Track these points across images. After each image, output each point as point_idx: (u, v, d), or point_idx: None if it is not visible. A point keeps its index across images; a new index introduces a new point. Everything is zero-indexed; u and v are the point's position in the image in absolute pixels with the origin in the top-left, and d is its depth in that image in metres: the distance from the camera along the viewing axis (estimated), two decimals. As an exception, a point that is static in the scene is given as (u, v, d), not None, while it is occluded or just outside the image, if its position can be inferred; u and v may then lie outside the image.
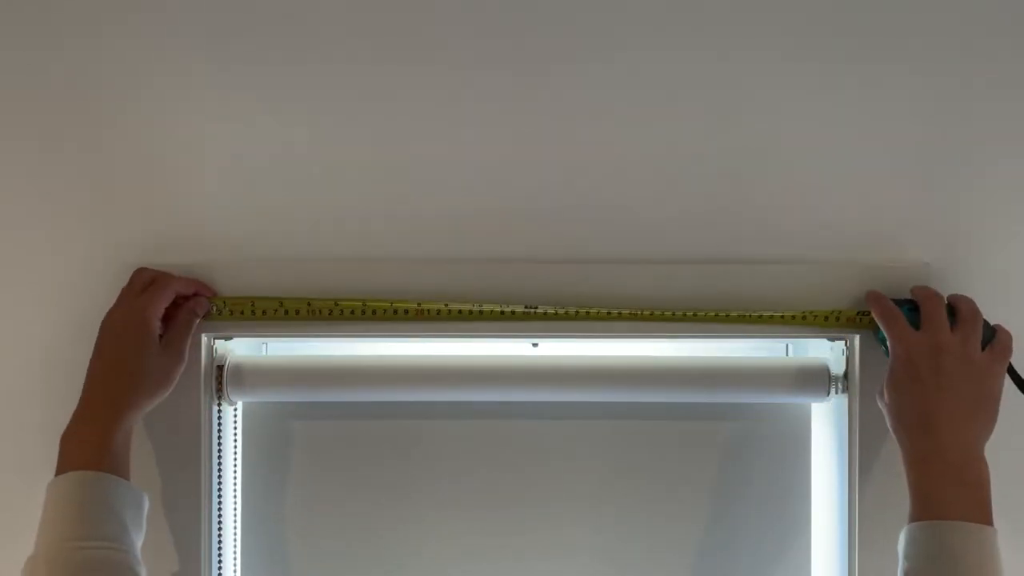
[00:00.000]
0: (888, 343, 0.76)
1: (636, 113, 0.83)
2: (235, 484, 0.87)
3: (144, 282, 0.79)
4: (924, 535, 0.66)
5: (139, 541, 0.71)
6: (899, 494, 0.80)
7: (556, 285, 0.82)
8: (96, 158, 0.83)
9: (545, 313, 0.81)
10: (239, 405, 0.87)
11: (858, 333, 0.82)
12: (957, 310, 0.75)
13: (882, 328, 0.76)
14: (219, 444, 0.84)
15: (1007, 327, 0.77)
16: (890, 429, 0.74)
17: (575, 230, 0.84)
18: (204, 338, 0.81)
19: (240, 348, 0.86)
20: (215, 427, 0.83)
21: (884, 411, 0.76)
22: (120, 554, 0.68)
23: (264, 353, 0.90)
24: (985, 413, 0.72)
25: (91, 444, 0.70)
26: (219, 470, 0.84)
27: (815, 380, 0.83)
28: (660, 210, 0.84)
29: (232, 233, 0.84)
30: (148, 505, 0.73)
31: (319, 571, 0.88)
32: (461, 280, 0.82)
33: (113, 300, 0.79)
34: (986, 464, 0.69)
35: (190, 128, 0.83)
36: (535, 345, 0.87)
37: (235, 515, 0.87)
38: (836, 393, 0.84)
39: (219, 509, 0.84)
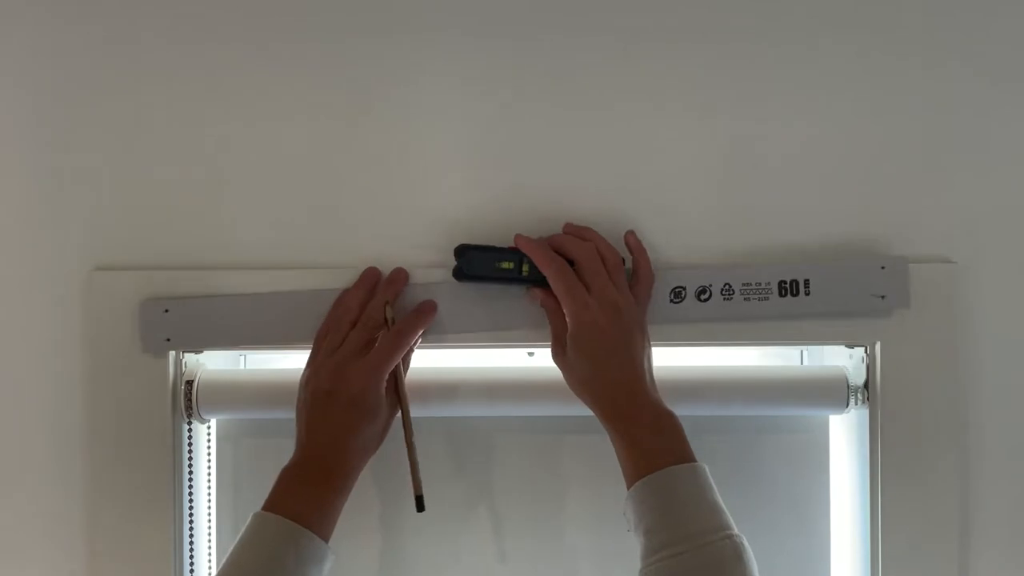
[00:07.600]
0: (565, 305, 0.75)
1: (635, 111, 0.81)
2: (209, 504, 0.83)
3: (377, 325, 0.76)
4: (650, 490, 0.70)
5: None
6: (926, 511, 0.79)
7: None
8: (78, 159, 0.80)
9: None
10: (212, 423, 0.82)
11: (879, 340, 0.78)
12: (604, 259, 0.76)
13: (558, 290, 0.76)
14: (190, 464, 0.80)
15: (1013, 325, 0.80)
16: (571, 386, 0.76)
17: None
18: (171, 353, 0.77)
19: (213, 362, 0.82)
20: (185, 447, 0.79)
21: (563, 369, 0.76)
22: None
23: (243, 366, 0.85)
24: (648, 354, 0.76)
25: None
26: (190, 490, 0.80)
27: (833, 391, 0.79)
28: (663, 210, 0.81)
29: (213, 236, 0.80)
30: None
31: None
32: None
33: (76, 305, 0.78)
34: (669, 411, 0.73)
35: (170, 130, 0.80)
36: (531, 354, 0.84)
37: (209, 537, 0.83)
38: (856, 405, 0.79)
39: (191, 532, 0.80)
